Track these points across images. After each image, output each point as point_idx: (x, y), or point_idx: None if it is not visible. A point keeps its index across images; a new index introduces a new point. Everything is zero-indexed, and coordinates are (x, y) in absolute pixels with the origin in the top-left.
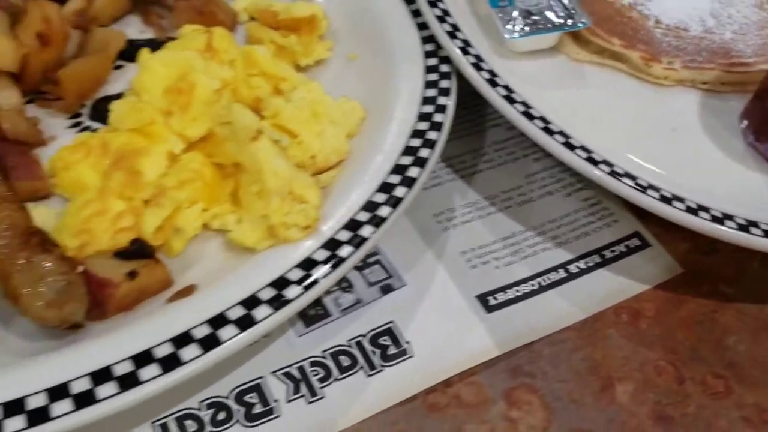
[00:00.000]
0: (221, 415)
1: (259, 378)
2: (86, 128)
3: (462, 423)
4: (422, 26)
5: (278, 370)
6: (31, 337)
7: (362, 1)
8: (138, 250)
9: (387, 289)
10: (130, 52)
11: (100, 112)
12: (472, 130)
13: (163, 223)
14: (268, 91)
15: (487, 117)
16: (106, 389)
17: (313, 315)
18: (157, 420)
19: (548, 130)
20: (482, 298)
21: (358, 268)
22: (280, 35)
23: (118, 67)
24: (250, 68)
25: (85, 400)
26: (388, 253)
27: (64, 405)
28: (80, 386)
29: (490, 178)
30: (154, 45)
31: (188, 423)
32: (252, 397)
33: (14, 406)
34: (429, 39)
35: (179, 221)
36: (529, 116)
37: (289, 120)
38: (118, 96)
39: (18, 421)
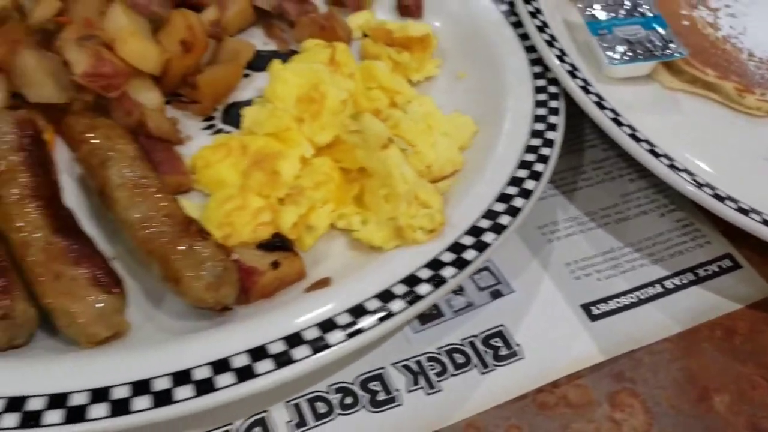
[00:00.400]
0: (348, 400)
1: (381, 368)
2: (219, 131)
3: (569, 421)
4: (529, 49)
5: (398, 362)
6: (180, 317)
7: (471, 24)
8: (280, 243)
9: (497, 294)
10: (256, 62)
11: (232, 116)
12: (570, 149)
13: (299, 220)
14: (385, 103)
15: (584, 137)
16: (264, 365)
17: (428, 314)
18: (291, 400)
19: (654, 153)
20: (586, 308)
21: (460, 283)
22: (395, 52)
23: (246, 76)
24: (369, 81)
25: (245, 374)
26: (496, 261)
27: (226, 378)
28: (240, 361)
29: (589, 195)
30: (278, 56)
31: (318, 405)
32: (375, 385)
33: (182, 377)
34: (536, 61)
35: (312, 219)
36: (636, 138)
37: (407, 131)
38: (247, 102)
39: (186, 391)
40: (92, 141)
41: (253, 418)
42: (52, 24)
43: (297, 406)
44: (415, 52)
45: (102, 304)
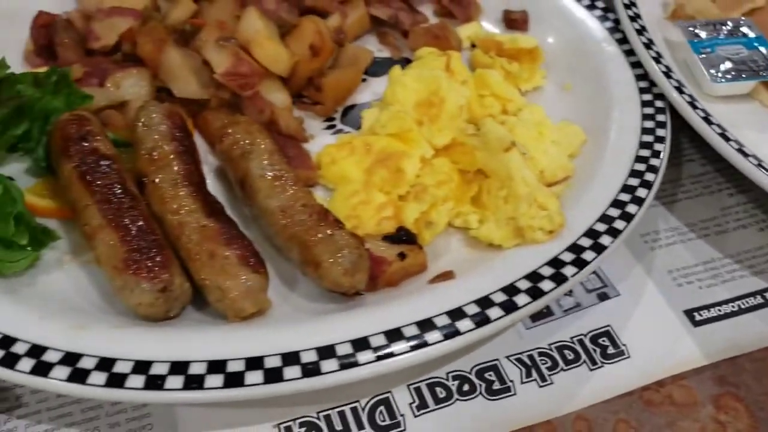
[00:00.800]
0: (465, 387)
1: (495, 360)
2: (339, 131)
3: (675, 419)
4: (635, 65)
5: (511, 355)
6: (313, 299)
7: (576, 39)
8: (405, 237)
9: (603, 297)
10: (373, 67)
11: (351, 117)
12: (669, 162)
13: (420, 216)
14: (498, 110)
15: (682, 152)
16: (399, 346)
17: (539, 312)
18: (412, 384)
19: (763, 167)
20: (689, 313)
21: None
22: (506, 62)
23: (363, 80)
24: (482, 89)
25: (382, 353)
26: (603, 265)
27: (366, 355)
28: (377, 341)
29: (689, 207)
30: (392, 63)
31: (438, 390)
32: (490, 375)
33: (327, 352)
34: (642, 77)
35: (432, 216)
36: (744, 153)
37: (521, 137)
38: (365, 105)
39: (331, 364)
40: (234, 135)
41: (378, 398)
42: (187, 25)
43: (418, 390)
44: (524, 63)
45: (250, 282)
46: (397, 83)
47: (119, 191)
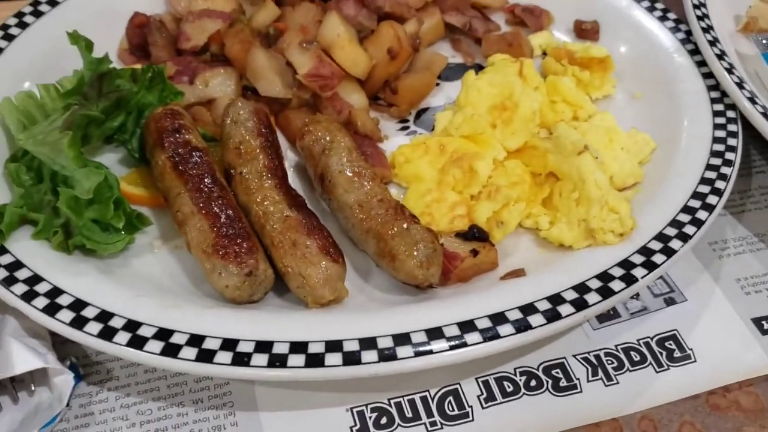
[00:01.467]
0: (533, 383)
1: (562, 358)
2: (412, 132)
3: (742, 425)
4: (706, 75)
5: (578, 354)
6: (387, 291)
7: (647, 49)
8: (478, 234)
9: (670, 302)
10: (446, 72)
11: (424, 119)
12: (738, 173)
13: (492, 215)
14: (569, 116)
15: (752, 163)
16: (472, 337)
17: (606, 314)
18: (480, 377)
19: None
20: (757, 322)
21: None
22: (578, 70)
23: (436, 84)
24: (554, 95)
25: (455, 343)
26: (670, 271)
27: (441, 344)
28: (451, 332)
29: (758, 218)
30: (465, 68)
31: (506, 384)
32: (557, 372)
33: (403, 339)
34: (713, 87)
35: (504, 215)
36: None
37: (593, 142)
38: (439, 108)
39: (406, 350)
40: (315, 133)
41: (447, 389)
42: (271, 28)
43: (486, 383)
44: (594, 72)
45: (329, 271)
46: (472, 87)
47: (209, 181)
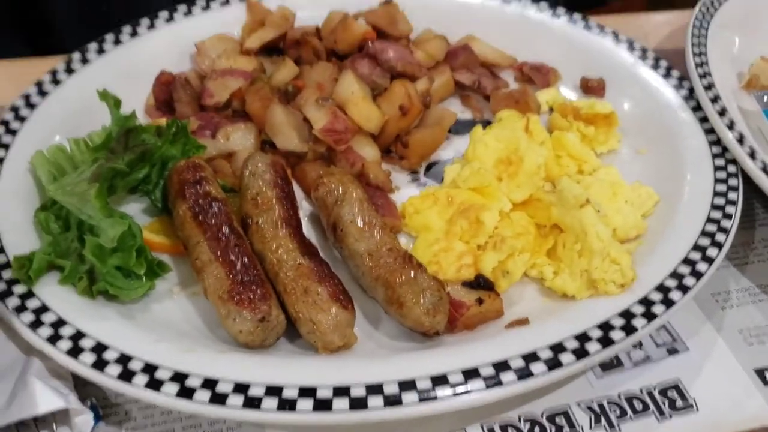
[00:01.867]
0: (536, 430)
1: (566, 405)
2: (423, 184)
3: None
4: (708, 131)
5: (581, 402)
6: (395, 338)
7: (652, 106)
8: (483, 283)
9: (673, 351)
10: (455, 127)
11: (434, 172)
12: (742, 226)
13: (498, 265)
14: (574, 170)
15: (755, 216)
16: (475, 384)
17: (610, 363)
18: (485, 423)
19: None
20: (760, 372)
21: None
22: (583, 125)
23: (446, 138)
24: (559, 150)
25: (459, 390)
26: (673, 321)
27: (445, 390)
28: (455, 379)
29: (761, 270)
30: (473, 124)
31: (510, 430)
32: (560, 420)
33: (408, 385)
34: (715, 143)
35: (509, 265)
36: None
37: (596, 195)
38: (448, 161)
39: (411, 396)
40: (328, 184)
41: None
42: (290, 86)
43: (491, 430)
44: (599, 127)
45: (339, 317)
46: (479, 141)
47: (227, 230)
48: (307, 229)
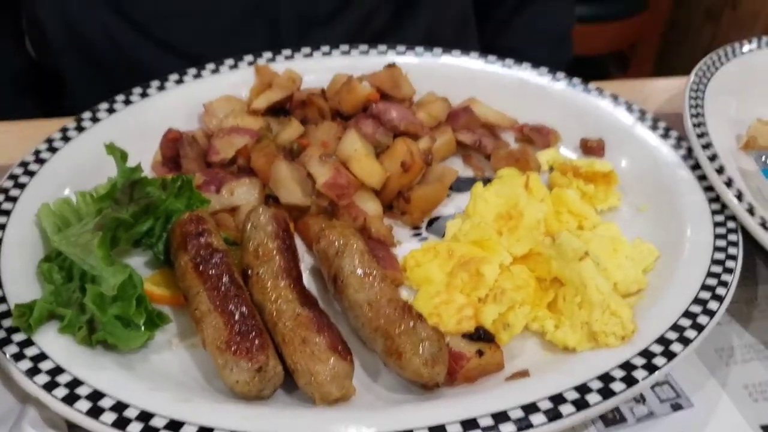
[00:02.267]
0: None
1: None
2: (424, 238)
3: None
4: (708, 189)
5: None
6: (394, 390)
7: (651, 165)
8: (484, 335)
9: (677, 407)
10: (457, 184)
11: (435, 227)
12: (745, 282)
13: (498, 317)
14: (574, 226)
15: (758, 273)
16: None
17: (612, 418)
18: None
19: None
20: (766, 429)
21: (651, 385)
22: (583, 183)
23: (448, 195)
24: (559, 207)
25: None
26: (676, 376)
27: None
28: (453, 429)
29: (765, 326)
30: (474, 181)
31: None
32: None
33: None
34: (714, 199)
35: (510, 318)
36: None
37: (596, 251)
38: (449, 217)
39: None
40: (330, 236)
41: None
42: (295, 144)
43: None
44: (599, 185)
45: (337, 369)
46: (479, 197)
47: (227, 281)
48: (309, 282)
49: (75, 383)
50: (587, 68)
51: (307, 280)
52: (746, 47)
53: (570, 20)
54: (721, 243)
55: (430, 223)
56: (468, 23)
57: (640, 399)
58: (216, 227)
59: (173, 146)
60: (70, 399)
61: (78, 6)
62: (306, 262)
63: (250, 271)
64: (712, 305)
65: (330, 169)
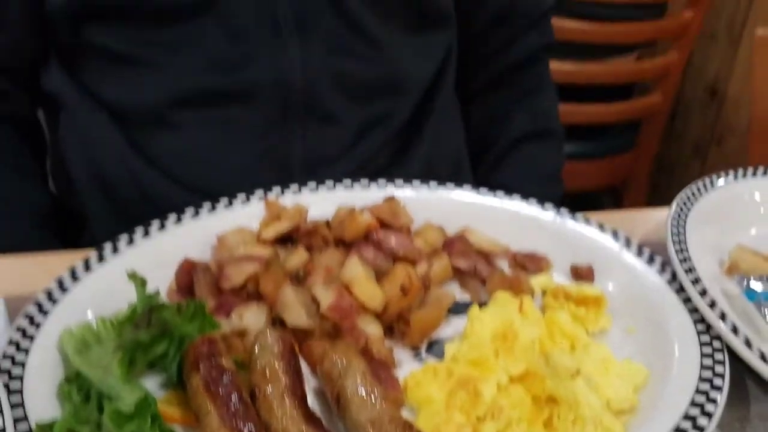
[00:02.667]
0: None
1: None
2: (424, 360)
3: None
4: (692, 310)
5: None
6: None
7: (638, 289)
8: None
9: None
10: (454, 308)
11: (434, 349)
12: (736, 401)
13: None
14: (567, 347)
15: (749, 393)
16: None
17: None
18: None
19: None
20: None
21: None
22: (574, 307)
23: (445, 318)
24: (552, 328)
25: None
26: None
27: None
28: None
29: None
30: (471, 304)
31: None
32: None
33: None
34: (699, 321)
35: None
36: None
37: (587, 370)
38: (447, 339)
39: None
40: (333, 358)
41: None
42: (300, 270)
43: None
44: (590, 308)
45: None
46: (476, 320)
47: (236, 400)
48: (313, 402)
49: None
50: (582, 202)
51: (312, 400)
52: (721, 180)
53: (559, 160)
54: (708, 362)
55: (430, 346)
56: (462, 164)
57: None
58: (226, 350)
59: (188, 276)
60: None
61: (106, 152)
62: (311, 383)
63: (257, 390)
64: (702, 421)
65: (333, 292)
